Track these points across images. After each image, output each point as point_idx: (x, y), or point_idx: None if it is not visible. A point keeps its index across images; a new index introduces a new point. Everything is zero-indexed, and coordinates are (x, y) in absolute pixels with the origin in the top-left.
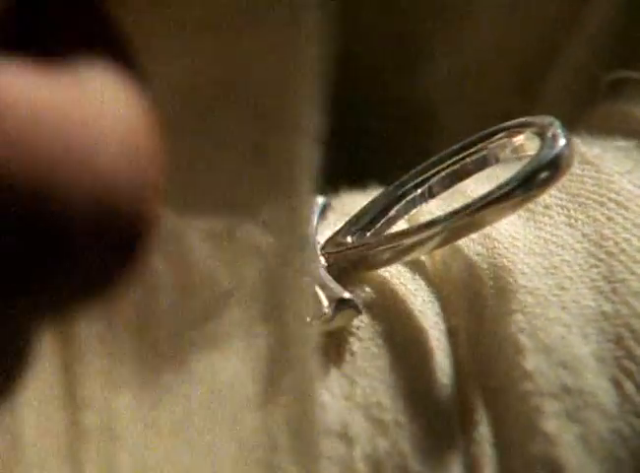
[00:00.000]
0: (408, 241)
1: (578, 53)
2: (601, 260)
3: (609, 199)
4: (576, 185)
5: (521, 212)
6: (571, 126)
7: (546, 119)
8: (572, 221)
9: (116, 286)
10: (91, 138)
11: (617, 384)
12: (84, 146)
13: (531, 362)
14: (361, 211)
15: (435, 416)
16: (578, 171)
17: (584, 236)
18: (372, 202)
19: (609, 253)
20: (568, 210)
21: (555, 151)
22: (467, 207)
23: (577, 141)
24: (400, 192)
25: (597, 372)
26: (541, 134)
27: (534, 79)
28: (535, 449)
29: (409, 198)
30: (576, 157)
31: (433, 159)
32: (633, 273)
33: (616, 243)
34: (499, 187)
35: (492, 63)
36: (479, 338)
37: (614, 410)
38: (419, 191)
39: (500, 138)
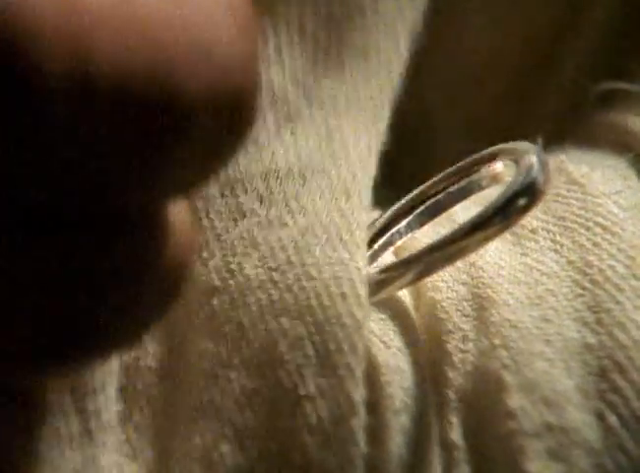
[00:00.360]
0: (391, 275)
1: (574, 62)
2: (585, 289)
3: (596, 223)
4: (562, 207)
5: (507, 236)
6: (565, 136)
7: (523, 146)
8: (558, 246)
9: (232, 155)
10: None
11: (602, 418)
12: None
13: (514, 400)
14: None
15: (414, 454)
16: (564, 192)
17: (569, 263)
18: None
19: (594, 282)
20: (554, 234)
21: (529, 178)
22: (447, 238)
23: (563, 159)
24: (385, 223)
25: (580, 407)
26: (516, 161)
27: (529, 88)
28: None
29: (394, 230)
30: (562, 176)
31: (417, 190)
32: (618, 302)
33: (601, 271)
34: (477, 217)
35: (487, 71)
36: (452, 374)
37: (598, 445)
38: (405, 222)
39: (479, 166)
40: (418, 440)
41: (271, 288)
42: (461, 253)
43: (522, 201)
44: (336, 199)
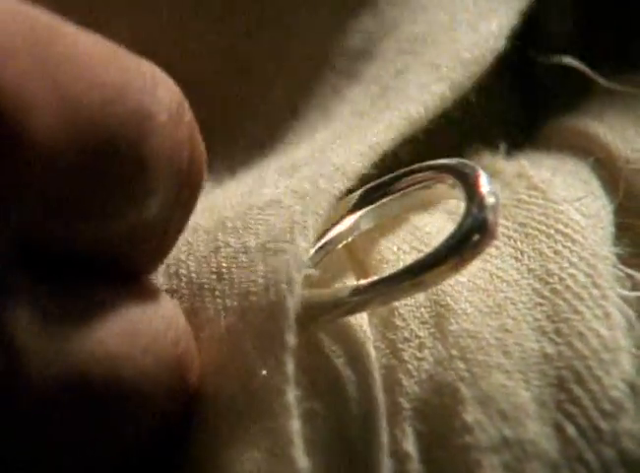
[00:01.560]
0: (349, 300)
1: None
2: (545, 298)
3: (557, 231)
4: (523, 213)
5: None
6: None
7: (469, 168)
8: (518, 254)
9: None
10: None
11: (560, 430)
12: None
13: (471, 414)
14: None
15: (363, 464)
16: (525, 198)
17: (530, 270)
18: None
19: (554, 291)
20: (515, 241)
21: (483, 215)
22: (404, 273)
23: (524, 163)
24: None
25: (538, 419)
26: (467, 189)
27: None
28: None
29: (342, 229)
30: (523, 181)
31: (361, 190)
32: (577, 312)
33: (562, 279)
34: (431, 255)
35: None
36: (407, 382)
37: (556, 457)
38: (350, 223)
39: (421, 179)
40: (366, 450)
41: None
42: (420, 287)
43: (476, 237)
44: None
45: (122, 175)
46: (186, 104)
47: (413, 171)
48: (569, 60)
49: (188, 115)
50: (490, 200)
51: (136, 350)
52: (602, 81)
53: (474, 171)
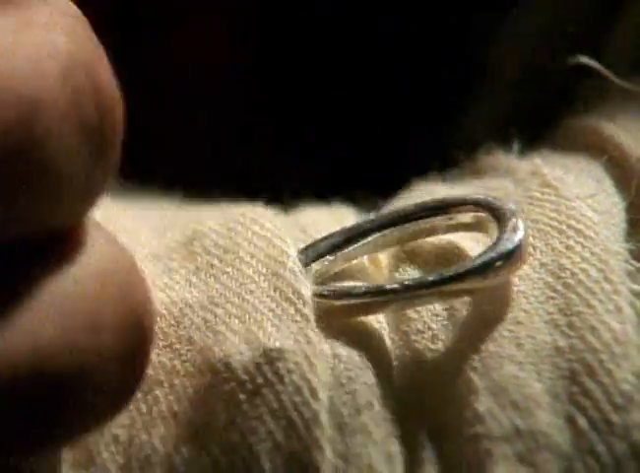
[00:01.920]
0: (364, 300)
1: None
2: (557, 292)
3: (569, 227)
4: (536, 210)
5: (479, 236)
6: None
7: (508, 205)
8: (531, 249)
9: None
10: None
11: (571, 421)
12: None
13: (483, 403)
14: (313, 244)
15: (377, 455)
16: (538, 195)
17: (542, 265)
18: (328, 236)
19: (567, 285)
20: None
21: (515, 243)
22: (422, 282)
23: (538, 162)
24: (355, 233)
25: (550, 411)
26: (499, 220)
27: None
28: None
29: (364, 241)
30: (536, 178)
31: (392, 211)
32: (590, 306)
33: (574, 274)
34: (454, 271)
35: None
36: (421, 373)
37: (568, 449)
38: (371, 238)
39: (451, 210)
40: (380, 440)
41: (212, 306)
42: (433, 299)
43: (499, 263)
44: None
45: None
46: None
47: (444, 205)
48: (585, 60)
49: (82, 57)
50: (520, 233)
51: (76, 331)
52: (616, 81)
53: (506, 205)
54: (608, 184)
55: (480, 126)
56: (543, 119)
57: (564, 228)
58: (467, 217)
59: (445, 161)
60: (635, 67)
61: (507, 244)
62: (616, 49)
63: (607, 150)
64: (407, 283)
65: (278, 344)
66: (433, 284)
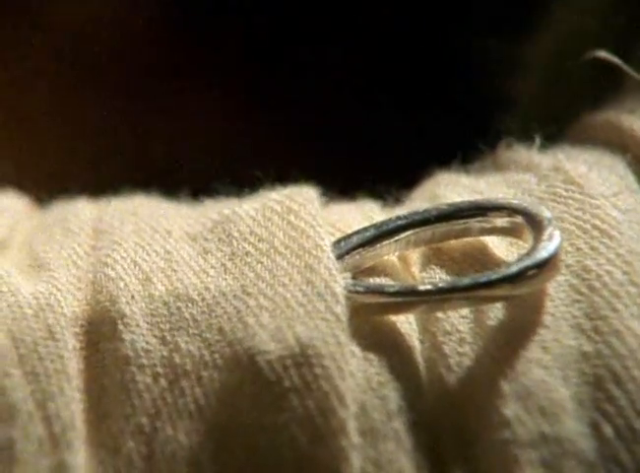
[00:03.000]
0: (395, 300)
1: None
2: (583, 295)
3: (594, 226)
4: (560, 208)
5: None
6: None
7: (545, 213)
8: None
9: None
10: None
11: (597, 429)
12: None
13: (510, 408)
14: (346, 236)
15: (406, 459)
16: (562, 192)
17: (567, 266)
18: (360, 231)
19: (592, 288)
20: None
21: (550, 252)
22: (454, 286)
23: (561, 157)
24: (387, 229)
25: (576, 417)
26: (535, 228)
27: None
28: None
29: (396, 238)
30: (560, 175)
31: (425, 210)
32: (615, 310)
33: (599, 276)
34: (488, 275)
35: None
36: (449, 377)
37: (593, 456)
38: (403, 236)
39: (486, 214)
40: (411, 446)
41: (245, 296)
42: (465, 303)
43: (533, 271)
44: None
45: None
46: None
47: (479, 208)
48: (604, 54)
49: None
50: (555, 242)
51: None
52: (634, 75)
53: (543, 213)
54: (631, 181)
55: (503, 119)
56: (563, 114)
57: (589, 227)
58: (502, 221)
59: (466, 153)
60: None
61: (543, 253)
62: None
63: (628, 146)
64: (440, 285)
65: (306, 344)
66: (466, 289)
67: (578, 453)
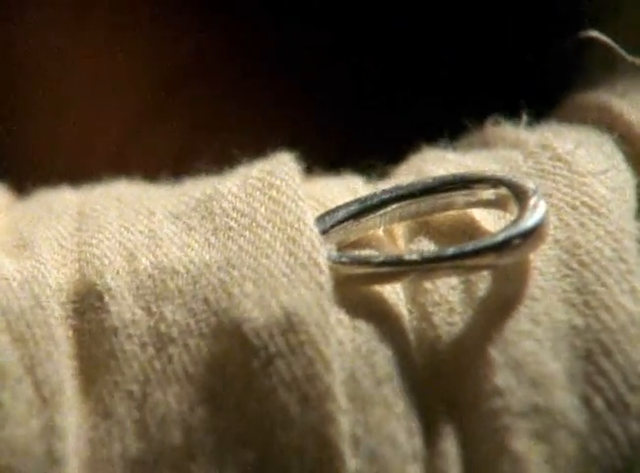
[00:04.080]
0: (381, 270)
1: None
2: (573, 269)
3: (583, 203)
4: (548, 184)
5: (493, 210)
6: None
7: (529, 184)
8: None
9: None
10: None
11: (587, 401)
12: None
13: (501, 378)
14: (331, 211)
15: (398, 427)
16: (550, 168)
17: (556, 241)
18: (345, 205)
19: (581, 263)
20: None
21: (535, 222)
22: (440, 255)
23: (549, 135)
24: (372, 203)
25: (567, 390)
26: (520, 199)
27: None
28: (503, 469)
29: (381, 212)
30: (547, 151)
31: (410, 184)
32: (605, 285)
33: (589, 252)
34: (473, 244)
35: None
36: (439, 346)
37: (584, 428)
38: (389, 209)
39: (472, 187)
40: (400, 412)
41: (229, 268)
42: (452, 272)
43: (518, 241)
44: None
45: None
46: None
47: (464, 181)
48: (595, 34)
49: None
50: (540, 212)
51: None
52: (628, 57)
53: (528, 184)
54: (619, 160)
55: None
56: (550, 93)
57: (578, 204)
58: (487, 194)
59: (454, 129)
60: None
61: (528, 222)
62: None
63: (617, 127)
64: (426, 255)
65: (290, 312)
66: (452, 257)
67: (569, 425)
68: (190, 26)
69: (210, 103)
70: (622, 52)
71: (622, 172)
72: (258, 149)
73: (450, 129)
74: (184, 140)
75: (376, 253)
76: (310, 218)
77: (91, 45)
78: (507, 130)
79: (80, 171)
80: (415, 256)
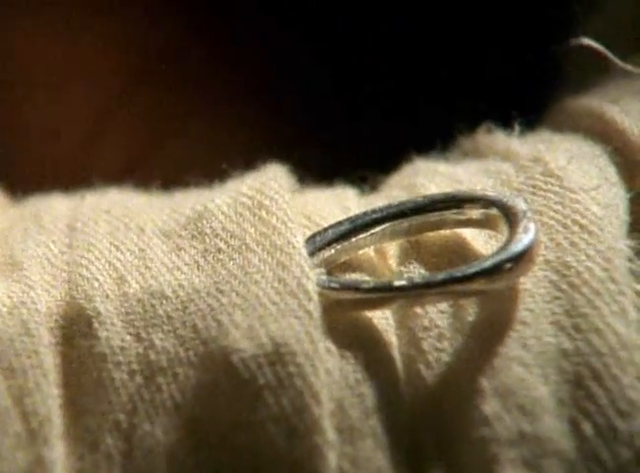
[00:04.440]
0: (370, 296)
1: None
2: (563, 291)
3: (574, 222)
4: (539, 201)
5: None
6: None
7: (520, 205)
8: None
9: None
10: None
11: (576, 427)
12: None
13: (490, 406)
14: (321, 231)
15: (384, 457)
16: (541, 185)
17: (546, 262)
18: (336, 225)
19: (572, 285)
20: None
21: (525, 245)
22: (430, 281)
23: (541, 148)
24: (363, 222)
25: (556, 415)
26: (510, 220)
27: None
28: None
29: (372, 231)
30: (539, 166)
31: (401, 202)
32: (595, 307)
33: (579, 273)
34: (464, 270)
35: None
36: (427, 374)
37: (573, 455)
38: (379, 229)
39: (462, 206)
40: (389, 444)
41: (218, 294)
42: (442, 298)
43: (509, 265)
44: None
45: None
46: None
47: (455, 200)
48: (587, 41)
49: None
50: (531, 235)
51: None
52: (619, 63)
53: (519, 205)
54: (611, 173)
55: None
56: (542, 101)
57: (569, 222)
58: (477, 213)
59: (448, 138)
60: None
61: (518, 246)
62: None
63: (609, 135)
64: (415, 280)
65: (279, 342)
66: (442, 283)
67: (558, 452)
68: (164, 11)
69: (183, 91)
70: (614, 58)
71: (614, 186)
72: (237, 141)
73: (443, 137)
74: (153, 128)
75: (366, 279)
76: (300, 241)
77: (62, 29)
78: (499, 140)
79: (50, 156)
80: (404, 282)
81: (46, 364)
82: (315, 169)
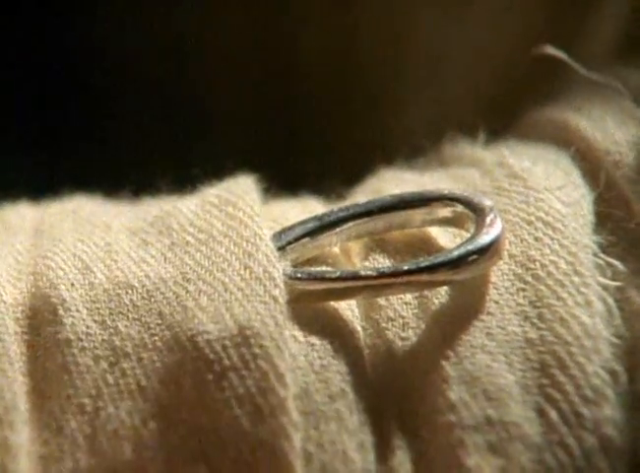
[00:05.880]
0: (337, 285)
1: None
2: (527, 283)
3: (538, 218)
4: (504, 201)
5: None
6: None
7: (486, 201)
8: None
9: None
10: None
11: (542, 413)
12: None
13: (455, 392)
14: (288, 228)
15: (351, 442)
16: (506, 186)
17: (511, 256)
18: (302, 222)
19: (536, 277)
20: None
21: (491, 238)
22: (396, 271)
23: (505, 153)
24: (330, 220)
25: (521, 402)
26: (477, 216)
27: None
28: None
29: (338, 229)
30: (503, 169)
31: (368, 202)
32: (559, 298)
33: (543, 266)
34: (429, 260)
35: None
36: (392, 362)
37: (539, 440)
38: (346, 227)
39: (429, 205)
40: (354, 428)
41: (184, 282)
42: (407, 288)
43: (474, 256)
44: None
45: None
46: None
47: (421, 198)
48: (551, 50)
49: None
50: (496, 228)
51: None
52: (583, 72)
53: (485, 202)
54: (576, 176)
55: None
56: (507, 110)
57: (533, 219)
58: (444, 211)
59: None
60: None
61: (484, 239)
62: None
63: (574, 143)
64: (381, 270)
65: (244, 325)
66: (408, 272)
67: (524, 437)
68: None
69: None
70: (577, 66)
71: (579, 188)
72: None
73: (406, 149)
74: None
75: (332, 269)
76: (266, 233)
77: None
78: (464, 149)
79: None
80: (370, 271)
81: (12, 352)
82: (280, 184)
